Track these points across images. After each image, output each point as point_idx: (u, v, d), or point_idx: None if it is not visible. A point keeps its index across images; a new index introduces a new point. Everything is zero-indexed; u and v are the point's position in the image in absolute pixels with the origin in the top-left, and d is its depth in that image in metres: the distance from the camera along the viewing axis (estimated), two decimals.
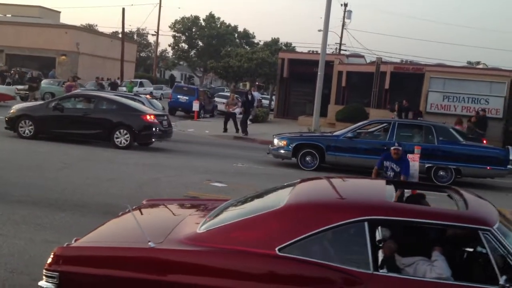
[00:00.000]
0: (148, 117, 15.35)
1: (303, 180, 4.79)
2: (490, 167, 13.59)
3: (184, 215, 4.54)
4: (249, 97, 23.11)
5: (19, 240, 6.25)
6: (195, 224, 4.15)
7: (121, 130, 15.04)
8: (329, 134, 15.74)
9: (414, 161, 9.92)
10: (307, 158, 14.33)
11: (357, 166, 14.22)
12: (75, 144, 14.96)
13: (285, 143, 14.57)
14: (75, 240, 4.03)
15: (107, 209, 7.99)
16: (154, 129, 15.31)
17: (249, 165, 14.26)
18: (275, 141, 14.88)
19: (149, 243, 3.71)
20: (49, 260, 3.73)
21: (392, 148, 9.32)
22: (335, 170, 14.27)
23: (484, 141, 17.18)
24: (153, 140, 15.92)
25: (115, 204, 8.37)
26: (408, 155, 10.17)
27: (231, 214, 4.21)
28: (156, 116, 15.68)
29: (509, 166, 13.58)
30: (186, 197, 9.33)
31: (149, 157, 14.10)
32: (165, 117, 16.39)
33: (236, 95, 24.72)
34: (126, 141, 15.01)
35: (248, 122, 27.10)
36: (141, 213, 4.75)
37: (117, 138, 14.99)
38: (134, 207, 4.91)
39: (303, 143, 14.48)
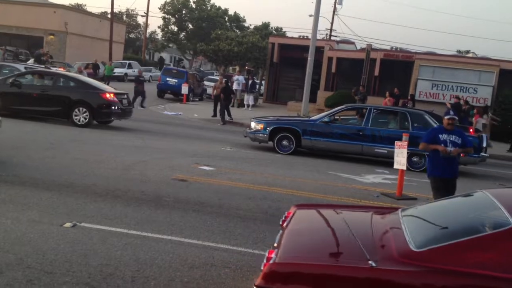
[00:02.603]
0: (107, 95, 15.24)
1: (485, 190, 4.43)
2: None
3: (364, 225, 4.31)
4: (235, 79, 22.83)
5: (5, 219, 6.22)
6: (393, 238, 3.89)
7: (80, 108, 14.92)
8: (306, 118, 15.78)
9: (402, 148, 9.99)
10: (284, 142, 14.38)
11: (333, 150, 14.47)
12: (60, 125, 14.86)
13: (262, 126, 14.59)
14: (269, 252, 3.81)
15: (94, 190, 7.98)
16: (113, 107, 15.22)
17: (238, 149, 14.27)
18: (252, 124, 14.91)
19: (370, 261, 3.53)
20: (260, 278, 3.55)
21: (446, 117, 8.35)
22: (311, 155, 14.38)
23: (471, 130, 17.28)
24: (113, 118, 15.89)
25: (102, 185, 8.35)
26: (396, 142, 10.24)
27: (441, 230, 3.99)
28: (116, 94, 15.58)
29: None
30: (175, 180, 9.32)
31: (137, 139, 14.05)
32: (125, 96, 16.30)
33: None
34: (85, 119, 14.92)
35: (250, 109, 27.11)
36: (305, 221, 4.51)
37: (76, 115, 14.89)
38: (287, 212, 4.73)
39: (280, 127, 14.51)
